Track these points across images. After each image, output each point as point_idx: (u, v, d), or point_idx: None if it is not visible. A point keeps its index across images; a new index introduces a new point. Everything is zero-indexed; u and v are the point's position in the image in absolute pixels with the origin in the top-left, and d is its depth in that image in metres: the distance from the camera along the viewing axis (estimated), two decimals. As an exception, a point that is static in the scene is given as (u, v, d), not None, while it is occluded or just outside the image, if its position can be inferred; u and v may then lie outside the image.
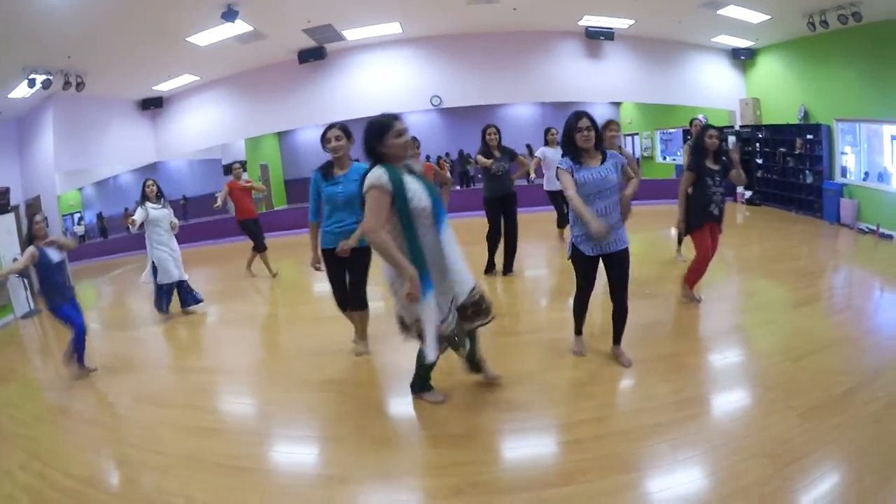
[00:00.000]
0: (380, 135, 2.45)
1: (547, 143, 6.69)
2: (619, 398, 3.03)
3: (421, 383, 3.02)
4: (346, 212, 3.43)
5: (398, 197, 2.40)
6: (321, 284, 6.11)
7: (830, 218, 8.63)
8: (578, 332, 3.57)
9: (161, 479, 2.61)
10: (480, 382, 3.13)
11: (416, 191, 2.46)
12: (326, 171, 3.47)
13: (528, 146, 11.46)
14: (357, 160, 3.60)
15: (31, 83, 7.68)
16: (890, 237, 7.46)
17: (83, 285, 9.28)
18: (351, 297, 3.68)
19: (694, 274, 4.41)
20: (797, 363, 3.26)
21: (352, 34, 9.46)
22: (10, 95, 8.21)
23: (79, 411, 3.55)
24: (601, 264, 3.24)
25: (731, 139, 9.48)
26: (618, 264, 3.18)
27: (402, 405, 3.12)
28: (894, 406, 2.73)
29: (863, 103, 8.24)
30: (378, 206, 2.38)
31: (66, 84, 8.30)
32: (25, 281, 7.59)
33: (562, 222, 6.87)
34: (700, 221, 4.25)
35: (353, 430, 2.86)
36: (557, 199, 6.72)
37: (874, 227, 7.76)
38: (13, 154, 9.53)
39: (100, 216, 17.13)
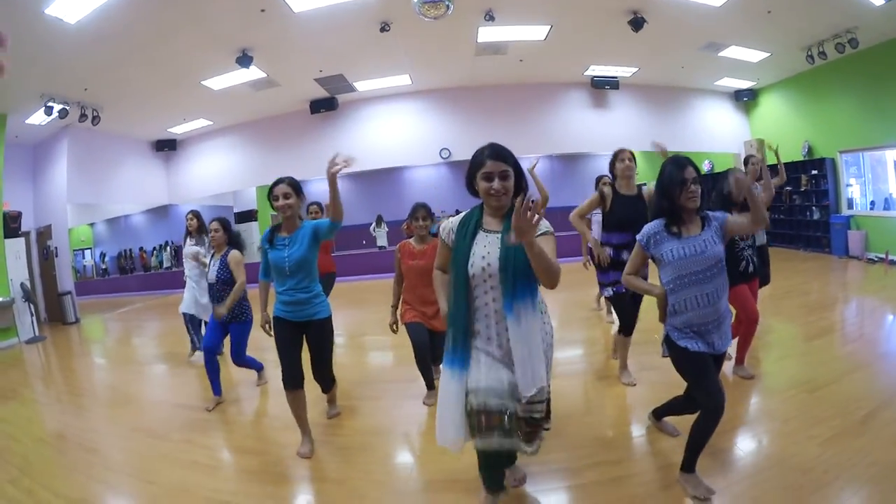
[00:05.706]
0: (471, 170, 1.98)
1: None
2: (632, 441, 2.92)
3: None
4: (295, 278, 2.88)
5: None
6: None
7: (839, 251, 8.64)
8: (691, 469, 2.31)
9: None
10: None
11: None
12: (272, 233, 2.97)
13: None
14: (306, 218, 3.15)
15: (49, 111, 7.70)
16: (900, 262, 7.43)
17: (92, 319, 9.44)
18: (318, 379, 3.11)
19: (745, 346, 3.65)
20: (813, 394, 3.21)
21: (362, 85, 9.71)
22: (27, 121, 8.28)
23: (75, 436, 3.52)
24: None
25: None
26: (717, 369, 2.32)
27: (405, 452, 3.02)
28: (916, 423, 2.67)
29: (865, 132, 8.36)
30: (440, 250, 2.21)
31: (83, 116, 8.32)
32: (32, 307, 7.73)
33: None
34: (735, 285, 3.26)
35: (357, 472, 2.72)
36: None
37: (883, 256, 7.76)
38: (27, 180, 9.56)
39: (121, 254, 17.41)
